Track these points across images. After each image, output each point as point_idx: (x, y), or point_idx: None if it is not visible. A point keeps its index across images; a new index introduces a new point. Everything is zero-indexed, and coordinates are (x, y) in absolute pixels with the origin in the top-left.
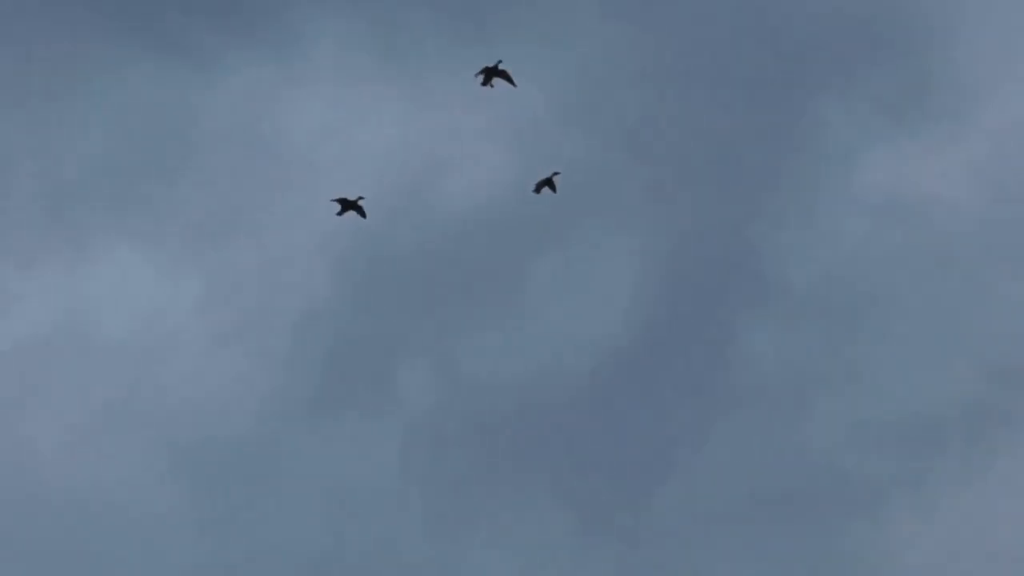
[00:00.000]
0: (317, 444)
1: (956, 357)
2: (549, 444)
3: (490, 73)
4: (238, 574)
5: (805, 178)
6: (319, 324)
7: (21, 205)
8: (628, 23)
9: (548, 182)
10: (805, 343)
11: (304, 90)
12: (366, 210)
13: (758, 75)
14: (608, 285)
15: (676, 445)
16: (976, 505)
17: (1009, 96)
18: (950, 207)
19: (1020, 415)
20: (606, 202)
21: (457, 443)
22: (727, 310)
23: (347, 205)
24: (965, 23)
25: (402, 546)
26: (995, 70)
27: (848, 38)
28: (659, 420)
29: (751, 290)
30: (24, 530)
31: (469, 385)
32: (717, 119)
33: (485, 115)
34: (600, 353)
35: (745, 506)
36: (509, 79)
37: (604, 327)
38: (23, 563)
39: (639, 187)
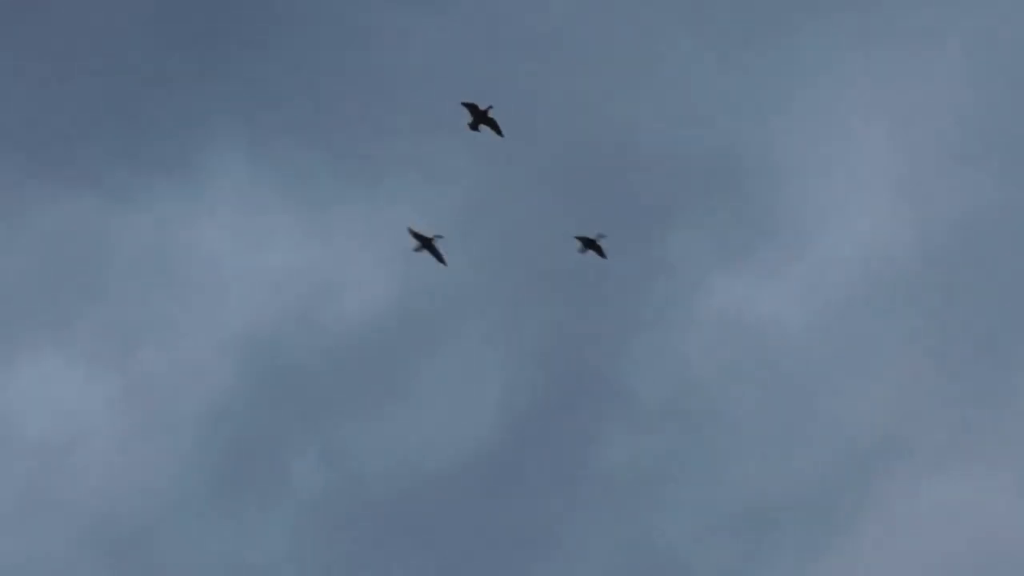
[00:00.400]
0: (217, 531)
1: (786, 457)
2: (428, 530)
3: (479, 117)
4: None
5: (657, 301)
6: (221, 422)
7: None
8: (505, 165)
9: (594, 245)
10: (654, 445)
11: (210, 219)
12: (441, 254)
13: (617, 214)
14: (481, 390)
15: (540, 534)
16: None
17: (833, 233)
18: (781, 328)
19: (843, 509)
20: (482, 315)
21: (345, 528)
22: (586, 414)
23: (424, 241)
24: (799, 169)
25: None
26: (822, 211)
27: (696, 179)
28: (524, 512)
29: (608, 397)
30: None
31: (356, 476)
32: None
33: (371, 245)
34: (472, 450)
35: None
36: (497, 129)
37: (476, 428)
38: None
39: (512, 304)
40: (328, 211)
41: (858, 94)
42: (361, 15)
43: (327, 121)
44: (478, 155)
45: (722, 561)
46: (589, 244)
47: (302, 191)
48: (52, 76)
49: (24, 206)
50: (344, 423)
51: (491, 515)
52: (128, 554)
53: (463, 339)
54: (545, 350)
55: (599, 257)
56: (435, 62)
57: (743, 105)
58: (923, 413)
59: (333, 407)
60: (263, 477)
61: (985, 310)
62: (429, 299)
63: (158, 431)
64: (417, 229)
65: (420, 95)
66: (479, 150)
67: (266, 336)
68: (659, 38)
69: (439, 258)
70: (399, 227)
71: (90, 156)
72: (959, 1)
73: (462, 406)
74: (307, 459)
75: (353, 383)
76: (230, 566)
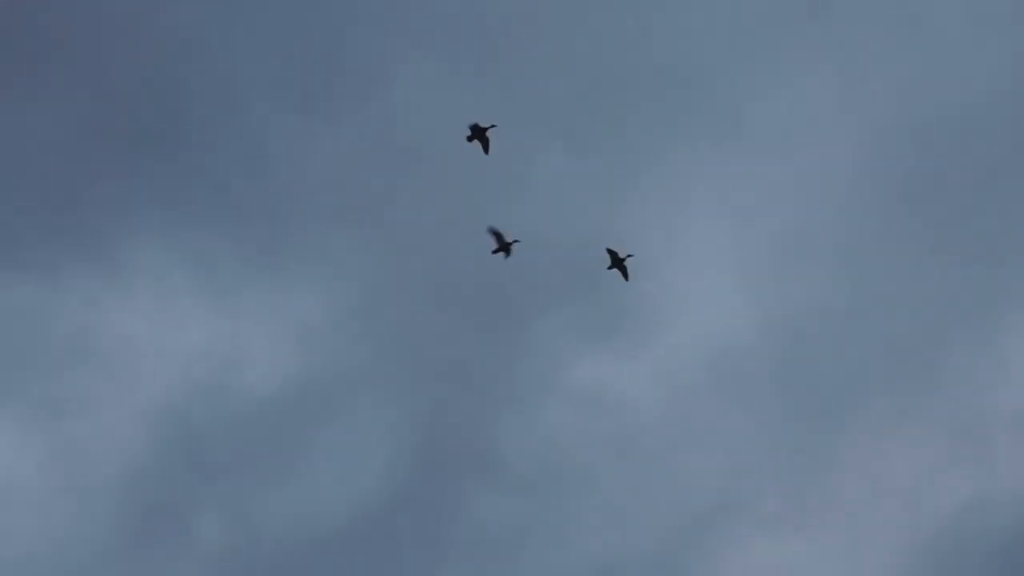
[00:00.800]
0: None
1: (636, 519)
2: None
3: (477, 132)
4: None
5: (527, 378)
6: (135, 483)
7: None
8: (393, 256)
9: (621, 264)
10: (519, 508)
11: (128, 300)
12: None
13: (487, 304)
14: (368, 457)
15: None
16: None
17: (681, 322)
18: (634, 404)
19: (685, 565)
20: (372, 391)
21: None
22: (462, 478)
23: (503, 245)
24: (651, 263)
25: None
26: (672, 301)
27: (559, 271)
28: (403, 566)
29: (481, 463)
30: None
31: (254, 534)
32: (464, 332)
33: (272, 323)
34: (360, 510)
35: None
36: (485, 147)
37: (363, 491)
38: None
39: (399, 381)
40: (234, 295)
41: (705, 195)
42: (270, 119)
43: (234, 215)
44: (372, 249)
45: None
46: (617, 262)
47: (211, 277)
48: None
49: None
50: (245, 486)
51: (374, 569)
52: None
53: (354, 412)
54: (426, 423)
55: (622, 278)
56: (333, 165)
57: (603, 204)
58: (757, 481)
59: (236, 471)
60: (171, 533)
61: (814, 390)
62: (325, 379)
63: (80, 492)
64: (498, 230)
65: (321, 194)
66: (374, 245)
67: (178, 407)
68: (524, 140)
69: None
70: (300, 311)
71: (23, 242)
72: (802, 116)
73: (351, 471)
74: (211, 518)
75: (254, 450)
76: None
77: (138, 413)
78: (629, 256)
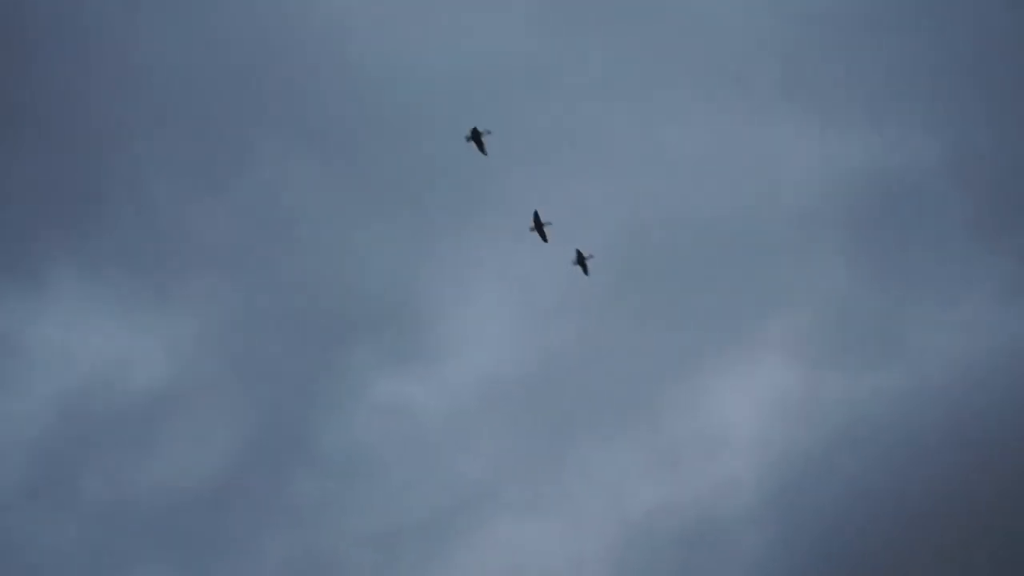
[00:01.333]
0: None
1: (417, 496)
2: (173, 530)
3: (475, 136)
4: None
5: (344, 390)
6: (40, 454)
7: None
8: (246, 292)
9: (583, 262)
10: (330, 487)
11: (45, 312)
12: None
13: (317, 332)
14: (218, 442)
15: (245, 543)
16: None
17: (463, 355)
18: (422, 414)
19: (451, 536)
20: (221, 391)
21: (119, 531)
22: (288, 463)
23: (539, 227)
24: (447, 307)
25: None
26: (458, 340)
27: (371, 311)
28: (233, 526)
29: (303, 452)
30: None
31: (129, 495)
32: (298, 353)
33: (151, 338)
34: (210, 482)
35: None
36: (482, 148)
37: (214, 467)
38: None
39: (243, 385)
40: (126, 315)
41: (491, 262)
42: (166, 189)
43: (131, 259)
44: (232, 287)
45: (365, 566)
46: (580, 260)
47: (111, 300)
48: None
49: None
50: (123, 459)
51: (220, 527)
52: None
53: (208, 409)
54: (263, 420)
55: (583, 273)
56: (209, 222)
57: (412, 262)
58: (507, 476)
59: (116, 448)
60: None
61: (555, 411)
62: (193, 382)
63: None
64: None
65: (199, 245)
66: (233, 285)
67: (79, 401)
68: (351, 211)
69: (543, 236)
70: (173, 330)
71: None
72: (569, 211)
73: (205, 454)
74: (94, 481)
75: (132, 433)
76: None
77: (28, 427)
78: (591, 256)
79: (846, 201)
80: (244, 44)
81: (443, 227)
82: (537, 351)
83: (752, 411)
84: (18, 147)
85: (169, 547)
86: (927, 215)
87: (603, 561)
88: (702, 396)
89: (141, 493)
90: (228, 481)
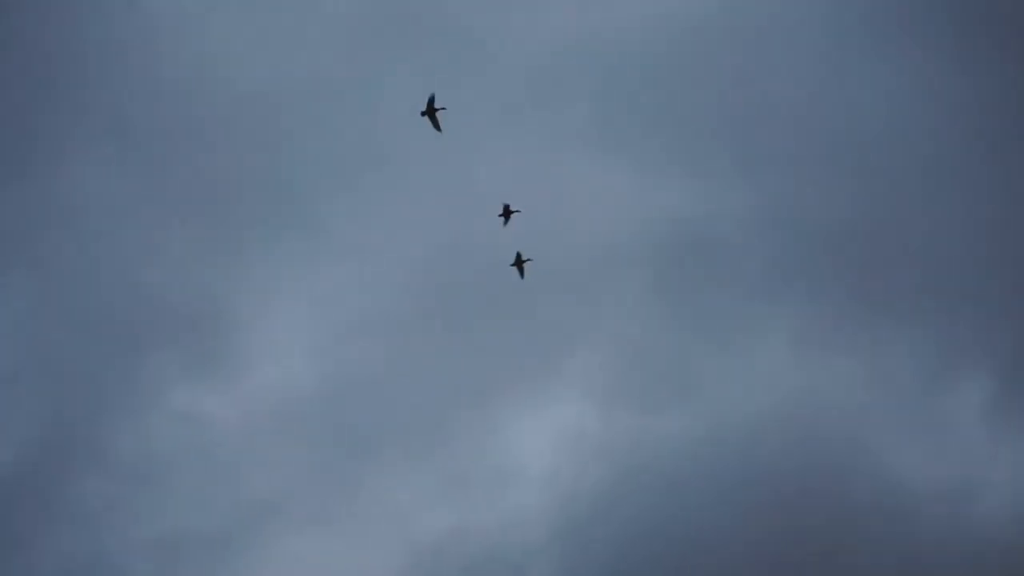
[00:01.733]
0: None
1: (201, 502)
2: None
3: (430, 111)
4: None
5: (141, 395)
6: None
7: None
8: (57, 298)
9: (520, 264)
10: (118, 490)
11: None
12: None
13: (118, 338)
14: (8, 441)
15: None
16: None
17: (260, 370)
18: (214, 423)
19: (237, 545)
20: (18, 388)
21: None
22: (76, 463)
23: (507, 214)
24: (245, 323)
25: None
26: (255, 356)
27: (175, 322)
28: (31, 525)
29: (95, 454)
30: None
31: None
32: (97, 356)
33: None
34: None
35: None
36: (436, 124)
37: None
38: None
39: (40, 384)
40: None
41: (292, 284)
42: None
43: None
44: (39, 290)
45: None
46: (519, 262)
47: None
48: None
49: None
50: None
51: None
52: None
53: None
54: (57, 420)
55: (519, 275)
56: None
57: (220, 280)
58: (297, 490)
59: None
60: None
61: (349, 431)
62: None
63: None
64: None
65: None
66: (41, 287)
67: None
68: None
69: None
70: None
71: None
72: (370, 233)
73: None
74: None
75: None
76: None
77: None
78: (528, 260)
79: (652, 242)
80: (63, 42)
81: (250, 239)
82: (336, 370)
83: (545, 444)
84: None
85: None
86: (728, 264)
87: None
88: (497, 426)
89: None
90: (10, 477)
